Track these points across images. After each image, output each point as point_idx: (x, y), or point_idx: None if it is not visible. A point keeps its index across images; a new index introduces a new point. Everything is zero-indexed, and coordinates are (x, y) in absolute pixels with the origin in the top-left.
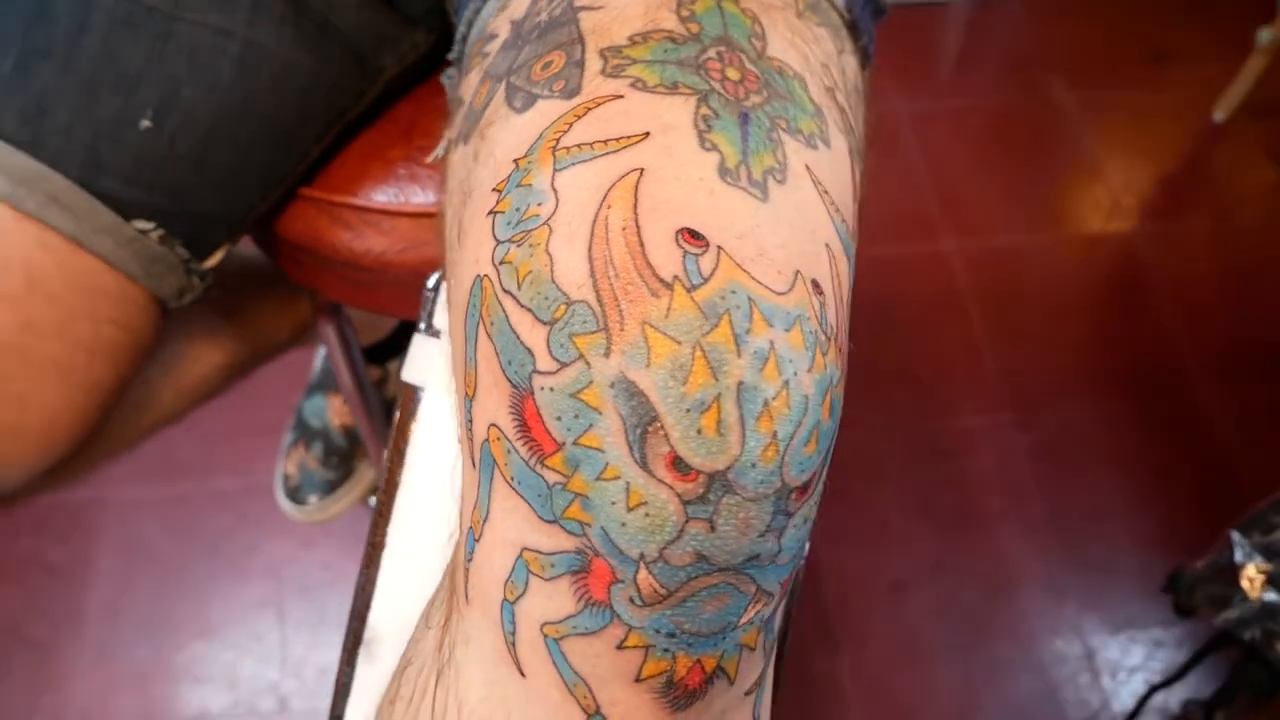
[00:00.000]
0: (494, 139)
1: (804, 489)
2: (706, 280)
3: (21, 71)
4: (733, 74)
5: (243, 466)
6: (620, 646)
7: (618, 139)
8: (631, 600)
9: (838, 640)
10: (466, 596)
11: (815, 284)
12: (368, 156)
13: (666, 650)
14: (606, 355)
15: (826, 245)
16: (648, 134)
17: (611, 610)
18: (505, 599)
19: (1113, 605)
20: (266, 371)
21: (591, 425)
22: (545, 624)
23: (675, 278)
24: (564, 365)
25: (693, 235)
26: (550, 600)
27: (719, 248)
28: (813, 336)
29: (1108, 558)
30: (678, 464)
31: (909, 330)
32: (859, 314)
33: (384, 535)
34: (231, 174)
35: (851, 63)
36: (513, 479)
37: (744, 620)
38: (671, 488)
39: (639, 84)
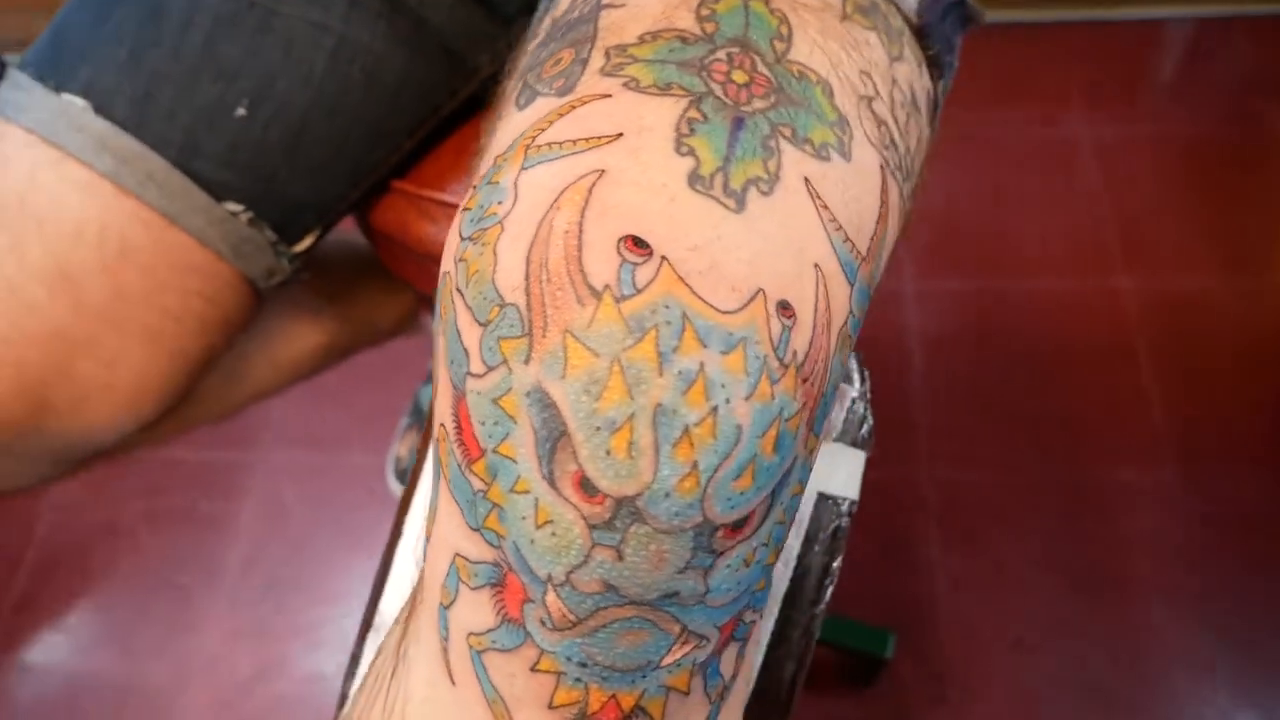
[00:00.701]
0: (495, 135)
1: (736, 527)
2: (639, 291)
3: (135, 60)
4: (739, 77)
5: (380, 445)
6: (534, 669)
7: (588, 139)
8: (543, 622)
9: (945, 693)
10: (421, 595)
11: (783, 306)
12: (460, 152)
13: (579, 680)
14: (526, 362)
15: (816, 265)
16: (620, 135)
17: (525, 630)
18: (441, 603)
19: (1274, 702)
20: (417, 354)
21: (508, 434)
22: (470, 634)
23: (606, 286)
24: (490, 369)
25: (636, 243)
26: (475, 611)
27: (663, 258)
28: (759, 362)
29: (1274, 646)
30: (585, 484)
31: (1067, 370)
32: (1007, 347)
33: (401, 525)
34: (321, 163)
35: (908, 71)
36: (450, 481)
37: (669, 660)
38: (578, 509)
39: (632, 83)
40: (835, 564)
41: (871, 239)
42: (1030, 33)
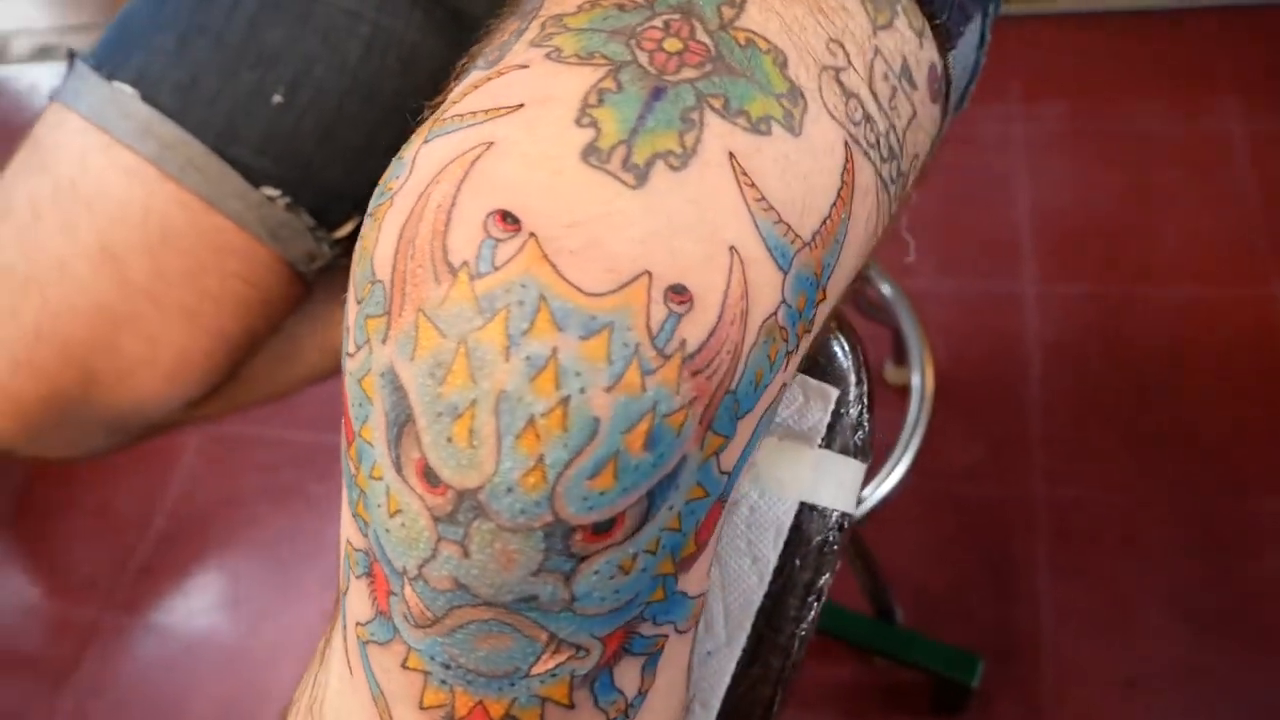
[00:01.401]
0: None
1: (600, 531)
2: (496, 269)
3: (182, 47)
4: (672, 45)
5: None
6: (404, 665)
7: (488, 110)
8: (405, 617)
9: None
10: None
11: (676, 290)
12: None
13: (444, 682)
14: (384, 342)
15: (732, 248)
16: (520, 106)
17: (393, 624)
18: (341, 590)
19: None
20: None
21: (368, 417)
22: (357, 623)
23: (464, 263)
24: (358, 349)
25: (505, 218)
26: (359, 600)
27: (531, 234)
28: (627, 350)
29: None
30: (428, 473)
31: (1204, 386)
32: (1137, 359)
33: None
34: (356, 150)
35: (898, 41)
36: (343, 465)
37: (540, 669)
38: (422, 499)
39: (554, 54)
40: (822, 581)
41: (824, 222)
42: (1174, 18)
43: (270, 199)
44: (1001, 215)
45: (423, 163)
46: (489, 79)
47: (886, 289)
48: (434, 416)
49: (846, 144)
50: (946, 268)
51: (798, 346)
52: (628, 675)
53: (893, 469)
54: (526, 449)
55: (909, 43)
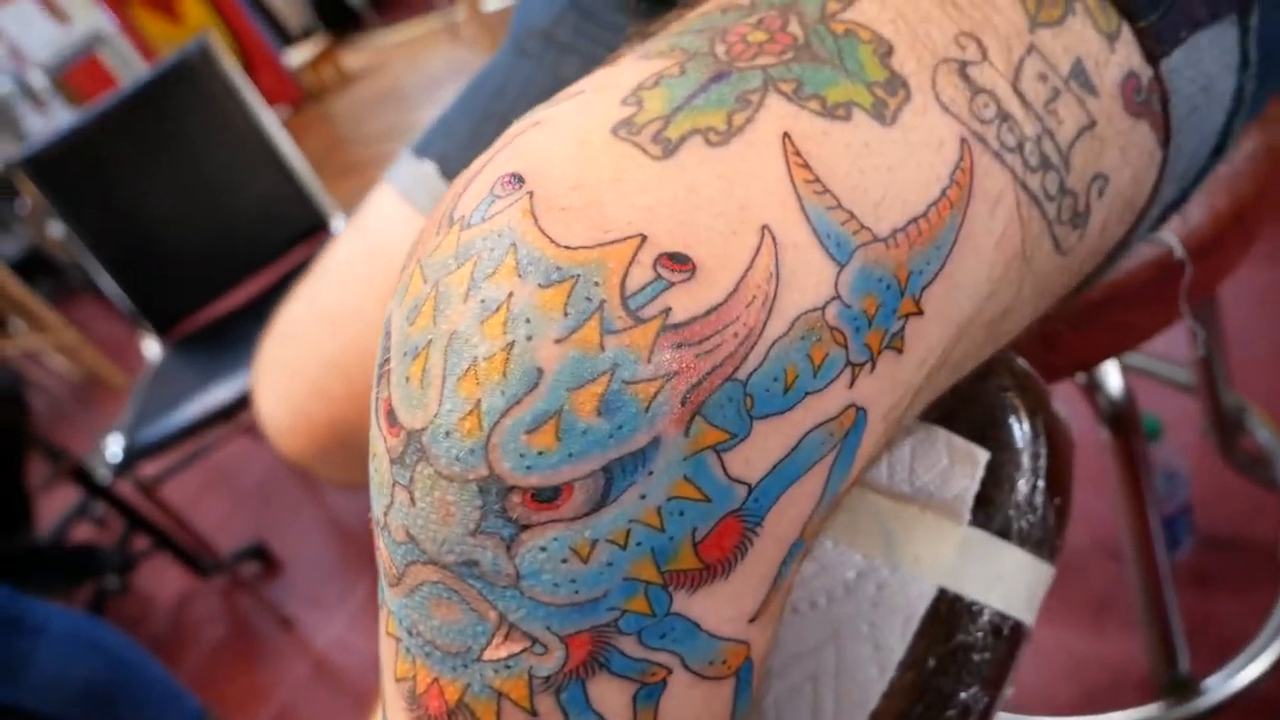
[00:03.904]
0: None
1: (542, 499)
2: (485, 221)
3: (476, 131)
4: (756, 36)
5: None
6: (387, 632)
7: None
8: (384, 573)
9: None
10: None
11: (674, 258)
12: None
13: (409, 651)
14: (395, 295)
15: (764, 228)
16: (582, 92)
17: (382, 584)
18: None
19: None
20: None
21: (379, 367)
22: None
23: (461, 217)
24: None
25: (512, 179)
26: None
27: (530, 193)
28: (588, 305)
29: None
30: (391, 414)
31: None
32: None
33: None
34: None
35: (1072, 41)
36: None
37: (491, 655)
38: (385, 440)
39: (644, 52)
40: (965, 695)
41: (915, 221)
42: None
43: None
44: None
45: (498, 142)
46: (593, 73)
47: (1266, 437)
48: (400, 356)
49: (965, 141)
50: None
51: (872, 362)
52: (610, 698)
53: (1252, 659)
54: (465, 392)
55: (1088, 43)
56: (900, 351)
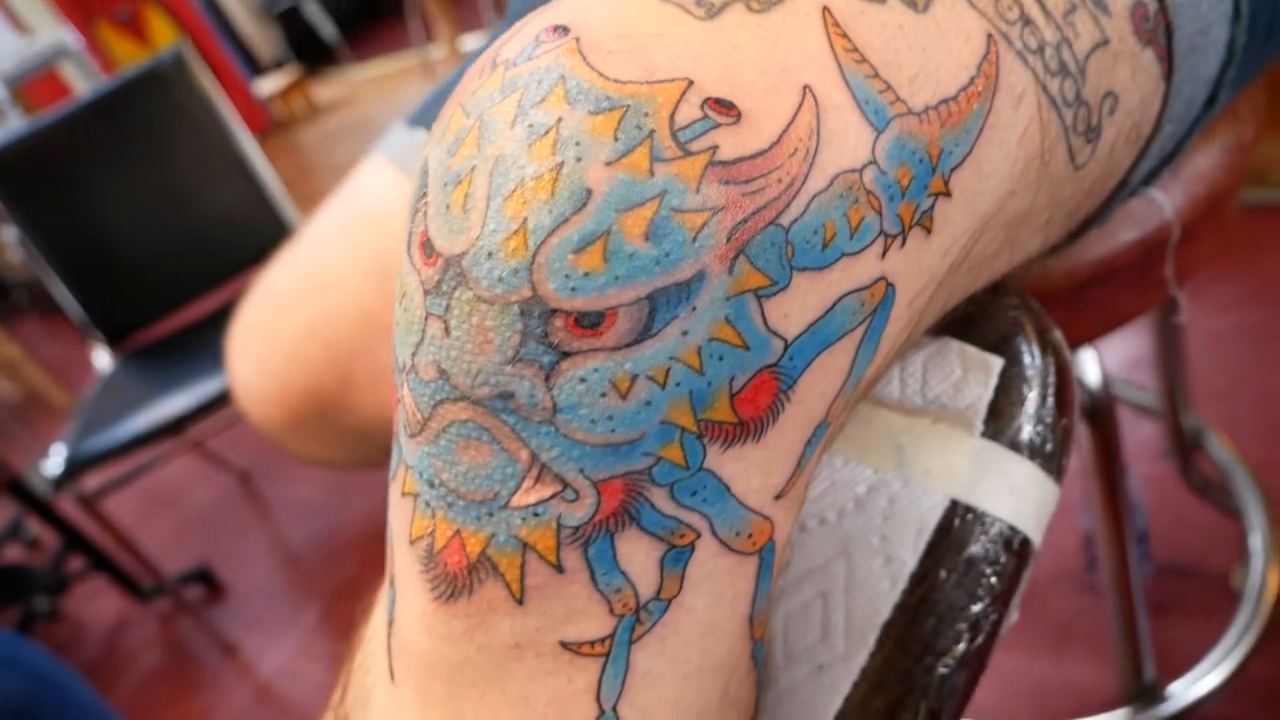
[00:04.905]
0: None
1: (585, 324)
2: (531, 60)
3: None
4: None
5: None
6: (403, 493)
7: None
8: (405, 427)
9: None
10: None
11: (720, 103)
12: None
13: (428, 504)
14: (433, 140)
15: (806, 87)
16: None
17: (399, 443)
18: None
19: None
20: None
21: (414, 205)
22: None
23: (505, 60)
24: None
25: (556, 29)
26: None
27: (576, 38)
28: (639, 132)
29: None
30: (426, 245)
31: None
32: None
33: None
34: None
35: None
36: None
37: (520, 500)
38: (419, 273)
39: None
40: (976, 609)
41: (945, 102)
42: None
43: None
44: None
45: None
46: None
47: (1222, 454)
48: (440, 187)
49: (991, 38)
50: None
51: (903, 236)
52: (638, 558)
53: (1207, 673)
54: (510, 211)
55: None
56: (929, 232)
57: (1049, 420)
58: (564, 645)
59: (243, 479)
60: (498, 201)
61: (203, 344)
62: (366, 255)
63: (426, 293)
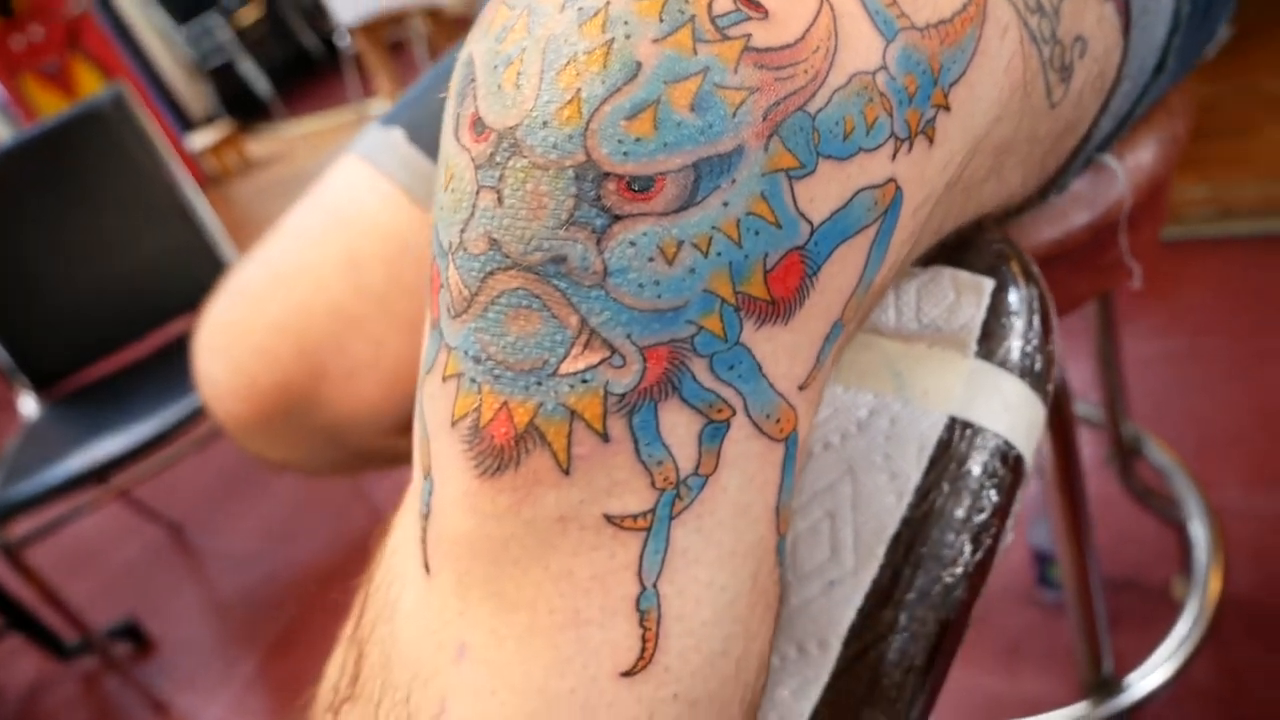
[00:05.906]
0: None
1: (636, 188)
2: None
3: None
4: None
5: None
6: (445, 377)
7: None
8: (448, 310)
9: None
10: None
11: (751, 1)
12: None
13: (474, 381)
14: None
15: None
16: None
17: (439, 330)
18: None
19: None
20: None
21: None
22: (423, 374)
23: None
24: None
25: None
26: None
27: None
28: (682, 16)
29: None
30: (477, 124)
31: None
32: None
33: None
34: None
35: None
36: None
37: (569, 367)
38: (468, 151)
39: None
40: (980, 520)
41: (944, 23)
42: None
43: None
44: None
45: None
46: None
47: (1161, 458)
48: (490, 70)
49: None
50: (1269, 483)
51: (910, 142)
52: (679, 430)
53: (1149, 673)
54: (564, 83)
55: None
56: (931, 142)
57: (1036, 342)
58: (608, 519)
59: (173, 530)
60: (551, 75)
61: (134, 389)
62: (338, 250)
63: (478, 167)
